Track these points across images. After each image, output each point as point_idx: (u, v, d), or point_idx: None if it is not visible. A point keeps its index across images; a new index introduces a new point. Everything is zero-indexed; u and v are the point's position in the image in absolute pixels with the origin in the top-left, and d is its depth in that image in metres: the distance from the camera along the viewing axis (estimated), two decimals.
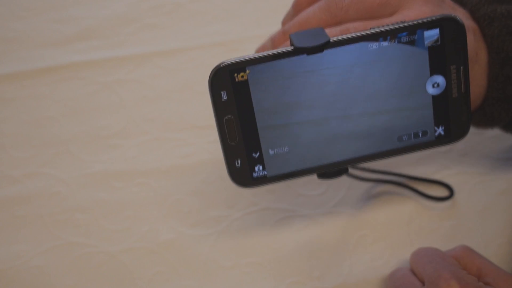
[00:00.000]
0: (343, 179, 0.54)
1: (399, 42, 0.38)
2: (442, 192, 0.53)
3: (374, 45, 0.37)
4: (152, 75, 0.64)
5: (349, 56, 0.38)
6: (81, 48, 0.66)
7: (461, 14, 0.43)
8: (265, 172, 0.40)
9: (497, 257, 0.48)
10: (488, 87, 0.43)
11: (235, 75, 0.37)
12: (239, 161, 0.39)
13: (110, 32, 0.67)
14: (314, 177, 0.54)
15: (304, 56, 0.37)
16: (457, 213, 0.52)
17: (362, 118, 0.40)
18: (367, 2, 0.41)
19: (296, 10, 0.45)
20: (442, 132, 0.41)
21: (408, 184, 0.53)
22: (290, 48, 0.37)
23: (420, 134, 0.41)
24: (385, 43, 0.37)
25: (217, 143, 0.41)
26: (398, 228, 0.52)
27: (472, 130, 0.56)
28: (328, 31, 0.40)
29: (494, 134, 0.56)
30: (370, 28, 0.38)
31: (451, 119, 0.40)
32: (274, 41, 0.43)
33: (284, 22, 0.46)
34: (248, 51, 0.50)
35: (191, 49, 0.66)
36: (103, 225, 0.53)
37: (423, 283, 0.43)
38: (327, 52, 0.37)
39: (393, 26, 0.37)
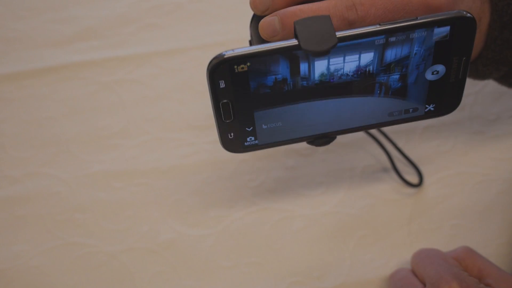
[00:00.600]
0: (343, 180, 0.54)
1: (407, 37, 0.37)
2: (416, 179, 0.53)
3: (381, 39, 0.37)
4: (152, 75, 0.64)
5: (354, 48, 0.37)
6: (81, 48, 0.66)
7: None
8: (256, 141, 0.40)
9: (497, 257, 0.48)
10: (485, 47, 0.43)
11: (235, 66, 0.37)
12: (232, 134, 0.40)
13: (110, 32, 0.67)
14: (314, 177, 0.54)
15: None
16: (457, 213, 0.52)
17: (355, 110, 0.40)
18: None
19: None
20: (432, 109, 0.41)
21: (390, 155, 0.53)
22: (295, 43, 0.36)
23: (410, 110, 0.41)
24: (393, 38, 0.37)
25: (217, 143, 0.41)
26: (398, 228, 0.52)
27: (472, 130, 0.56)
28: (332, 5, 0.38)
29: (494, 134, 0.56)
30: (379, 24, 0.37)
31: (443, 99, 0.41)
32: (274, 1, 0.40)
33: None
34: None
35: (191, 49, 0.66)
36: (103, 225, 0.53)
37: (424, 284, 0.42)
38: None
39: (404, 24, 0.37)
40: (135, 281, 0.50)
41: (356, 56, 0.38)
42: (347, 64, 0.38)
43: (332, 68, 0.37)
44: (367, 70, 0.38)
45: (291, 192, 0.54)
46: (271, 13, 0.40)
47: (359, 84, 0.38)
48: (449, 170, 0.54)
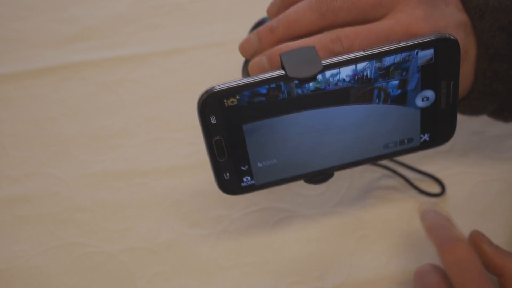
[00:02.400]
0: (343, 180, 0.54)
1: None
2: (436, 188, 0.53)
3: (366, 64, 0.37)
4: (152, 75, 0.64)
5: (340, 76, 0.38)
6: (81, 48, 0.66)
7: (453, 6, 0.42)
8: (253, 182, 0.40)
9: None
10: (475, 81, 0.43)
11: (225, 100, 0.37)
12: (227, 174, 0.40)
13: (110, 32, 0.67)
14: None
15: (289, 87, 0.37)
16: (457, 213, 0.52)
17: (350, 130, 0.40)
18: (360, 3, 0.40)
19: (283, 0, 0.43)
20: (427, 139, 0.41)
21: (403, 174, 0.53)
22: (281, 73, 0.37)
23: (406, 141, 0.41)
24: (377, 64, 0.37)
25: None
26: (398, 228, 0.52)
27: (472, 130, 0.56)
28: (318, 39, 0.39)
29: (494, 134, 0.56)
30: (363, 50, 0.37)
31: (437, 127, 0.41)
32: (261, 39, 0.41)
33: (269, 11, 0.44)
34: None
35: (191, 49, 0.66)
36: (103, 225, 0.53)
37: None
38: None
39: (387, 48, 0.37)
40: (135, 281, 0.50)
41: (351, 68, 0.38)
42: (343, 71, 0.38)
43: (327, 75, 0.37)
44: (364, 75, 0.38)
45: (291, 192, 0.54)
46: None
47: (356, 91, 0.38)
48: (449, 170, 0.54)
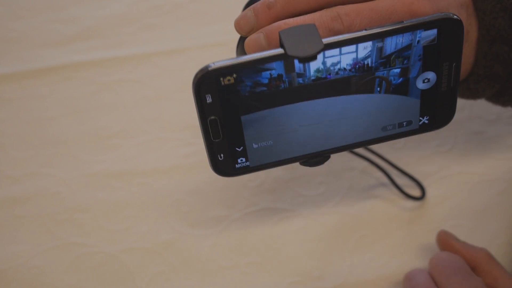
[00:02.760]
0: (343, 180, 0.54)
1: (371, 64, 0.37)
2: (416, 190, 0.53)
3: (368, 44, 0.36)
4: (151, 75, 0.64)
5: (341, 58, 0.37)
6: (81, 48, 0.66)
7: None
8: (248, 163, 0.39)
9: (497, 257, 0.48)
10: (475, 63, 0.42)
11: (221, 79, 0.36)
12: (222, 155, 0.38)
13: (110, 32, 0.67)
14: (314, 177, 0.54)
15: (291, 76, 0.36)
16: (457, 213, 0.52)
17: (349, 117, 0.39)
18: None
19: None
20: (426, 121, 0.40)
21: (388, 173, 0.53)
22: (281, 51, 0.35)
23: (404, 124, 0.40)
24: (379, 44, 0.36)
25: None
26: (398, 228, 0.52)
27: (472, 130, 0.56)
28: (318, 16, 0.38)
29: (494, 134, 0.56)
30: (365, 29, 0.36)
31: (436, 110, 0.40)
32: (257, 15, 0.40)
33: None
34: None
35: (191, 49, 0.66)
36: (103, 225, 0.53)
37: None
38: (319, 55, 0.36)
39: (390, 27, 0.36)
40: (135, 281, 0.50)
41: (353, 48, 0.37)
42: (344, 57, 0.37)
43: (328, 63, 0.37)
44: (365, 64, 0.37)
45: (291, 192, 0.54)
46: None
47: (357, 80, 0.37)
48: (449, 170, 0.54)
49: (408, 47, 0.37)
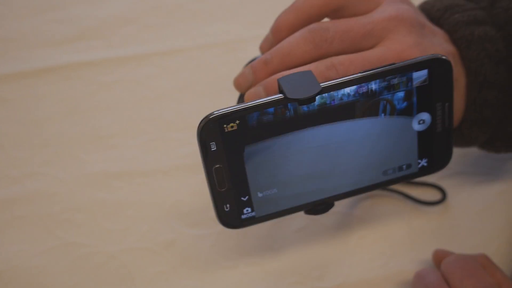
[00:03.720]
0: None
1: (388, 83, 0.38)
2: (437, 193, 0.53)
3: (363, 88, 0.38)
4: (152, 75, 0.64)
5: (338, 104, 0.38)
6: (81, 48, 0.66)
7: (441, 37, 0.43)
8: (253, 214, 0.40)
9: (497, 257, 0.48)
10: (466, 109, 0.44)
11: (225, 126, 0.37)
12: (228, 205, 0.39)
13: (110, 32, 0.67)
14: None
15: (295, 105, 0.37)
16: (457, 213, 0.52)
17: (349, 149, 0.40)
18: (351, 33, 0.40)
19: (275, 35, 0.43)
20: (425, 164, 0.42)
21: (401, 191, 0.53)
22: (281, 96, 0.37)
23: (404, 167, 0.41)
24: (374, 86, 0.38)
25: None
26: (398, 228, 0.52)
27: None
28: (313, 67, 0.39)
29: None
30: (360, 72, 0.37)
31: (434, 152, 0.41)
32: (255, 72, 0.42)
33: (262, 47, 0.45)
34: (248, 51, 0.50)
35: (191, 49, 0.66)
36: (103, 225, 0.53)
37: None
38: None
39: (383, 69, 0.37)
40: (135, 281, 0.50)
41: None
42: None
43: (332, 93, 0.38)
44: (369, 88, 0.38)
45: None
46: None
47: (361, 104, 0.38)
48: (449, 170, 0.54)
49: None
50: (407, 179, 0.42)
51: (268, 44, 0.44)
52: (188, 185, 0.55)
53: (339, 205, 0.53)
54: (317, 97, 0.37)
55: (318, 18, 0.43)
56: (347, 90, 0.37)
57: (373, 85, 0.38)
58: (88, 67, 0.64)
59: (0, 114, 0.61)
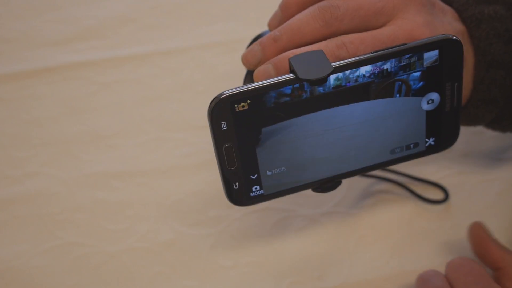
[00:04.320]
0: (343, 181, 0.54)
1: (399, 63, 0.38)
2: (439, 193, 0.53)
3: (378, 69, 0.38)
4: (152, 75, 0.64)
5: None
6: (81, 48, 0.66)
7: (450, 16, 0.43)
8: (262, 191, 0.40)
9: None
10: (473, 88, 0.44)
11: (236, 105, 0.36)
12: (237, 183, 0.39)
13: (110, 32, 0.67)
14: None
15: (310, 87, 0.37)
16: (457, 213, 0.52)
17: (358, 136, 0.40)
18: (362, 11, 0.40)
19: (284, 12, 0.43)
20: (433, 143, 0.42)
21: (405, 184, 0.53)
22: (292, 76, 0.36)
23: (411, 146, 0.41)
24: (385, 65, 0.37)
25: None
26: (398, 228, 0.52)
27: (472, 130, 0.56)
28: (324, 45, 0.39)
29: (494, 134, 0.56)
30: (371, 52, 0.37)
31: (441, 131, 0.41)
32: (264, 49, 0.41)
33: (270, 24, 0.44)
34: None
35: (191, 49, 0.66)
36: (103, 225, 0.53)
37: None
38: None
39: (394, 49, 0.37)
40: (135, 281, 0.50)
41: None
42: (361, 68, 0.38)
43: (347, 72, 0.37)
44: (384, 69, 0.38)
45: None
46: None
47: (376, 85, 0.38)
48: (449, 170, 0.54)
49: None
50: (414, 157, 0.42)
51: (276, 21, 0.44)
52: (188, 185, 0.55)
53: (339, 205, 0.53)
54: (332, 79, 0.37)
55: None
56: (362, 71, 0.37)
57: (388, 66, 0.38)
58: (88, 67, 0.64)
59: (0, 114, 0.61)
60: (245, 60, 0.42)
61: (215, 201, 0.54)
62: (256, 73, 0.40)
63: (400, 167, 0.54)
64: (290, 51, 0.40)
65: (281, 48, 0.41)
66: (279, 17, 0.44)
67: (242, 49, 0.64)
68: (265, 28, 0.46)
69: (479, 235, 0.46)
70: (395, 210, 0.53)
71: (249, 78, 0.44)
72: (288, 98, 0.37)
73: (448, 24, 0.42)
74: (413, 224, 0.52)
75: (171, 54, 0.65)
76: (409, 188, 0.53)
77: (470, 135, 0.56)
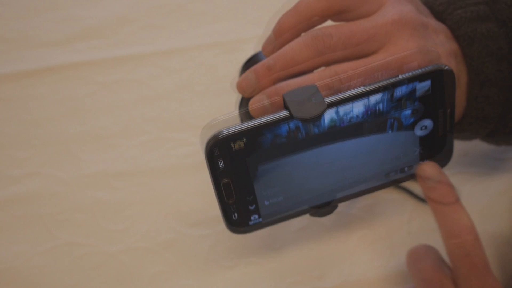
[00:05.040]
0: None
1: (391, 102, 0.38)
2: None
3: (371, 110, 0.38)
4: (152, 75, 0.64)
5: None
6: (81, 48, 0.66)
7: (443, 36, 0.43)
8: (260, 220, 0.41)
9: (497, 257, 0.48)
10: (467, 106, 0.44)
11: (232, 144, 0.37)
12: (236, 214, 0.40)
13: (110, 32, 0.67)
14: None
15: (305, 127, 0.37)
16: None
17: (353, 167, 0.40)
18: (354, 38, 0.41)
19: (277, 37, 0.43)
20: None
21: (407, 187, 0.53)
22: (287, 114, 0.37)
23: (406, 169, 0.42)
24: (377, 97, 0.38)
25: None
26: (398, 228, 0.52)
27: None
28: (317, 76, 0.40)
29: None
30: (363, 86, 0.38)
31: (435, 154, 0.42)
32: (258, 77, 0.42)
33: (264, 48, 0.45)
34: (248, 51, 0.50)
35: (191, 49, 0.66)
36: (103, 225, 0.53)
37: (454, 282, 0.40)
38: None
39: (386, 82, 0.38)
40: (135, 281, 0.50)
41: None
42: (355, 106, 0.38)
43: (341, 113, 0.38)
44: (377, 109, 0.38)
45: None
46: (257, 93, 0.41)
47: (369, 124, 0.39)
48: (449, 170, 0.54)
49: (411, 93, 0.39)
50: (409, 179, 0.43)
51: (270, 46, 0.44)
52: (188, 185, 0.55)
53: (339, 205, 0.53)
54: (327, 121, 0.37)
55: (320, 21, 0.43)
56: (356, 112, 0.38)
57: (381, 106, 0.38)
58: (88, 67, 0.64)
59: (0, 114, 0.61)
60: (239, 88, 0.43)
61: (215, 201, 0.54)
62: (251, 104, 0.41)
63: None
64: (285, 83, 0.40)
65: (275, 76, 0.41)
66: (273, 42, 0.44)
67: (242, 49, 0.65)
68: (264, 27, 0.46)
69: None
70: (395, 210, 0.53)
71: (244, 103, 0.45)
72: (284, 139, 0.38)
73: (441, 45, 0.43)
74: (413, 224, 0.52)
75: (171, 54, 0.65)
76: (409, 190, 0.53)
77: None
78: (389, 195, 0.53)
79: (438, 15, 0.45)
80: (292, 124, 0.37)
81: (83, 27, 0.68)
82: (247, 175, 0.39)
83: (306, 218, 0.52)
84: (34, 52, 0.66)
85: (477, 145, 0.56)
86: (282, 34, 0.43)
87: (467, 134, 0.46)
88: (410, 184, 0.53)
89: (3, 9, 0.70)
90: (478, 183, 0.54)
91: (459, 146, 0.56)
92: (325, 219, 0.52)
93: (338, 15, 0.43)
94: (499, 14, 0.44)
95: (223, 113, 0.38)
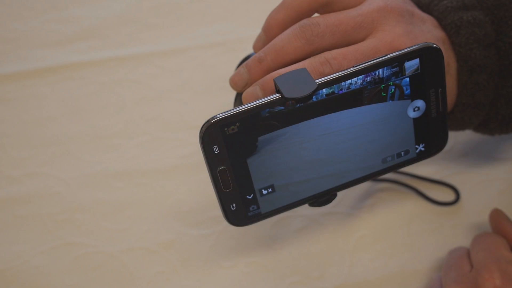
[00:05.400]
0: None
1: (382, 75, 0.38)
2: (444, 192, 0.53)
3: (358, 81, 0.38)
4: (152, 75, 0.64)
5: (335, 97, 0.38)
6: (81, 48, 0.66)
7: (430, 24, 0.44)
8: (259, 210, 0.41)
9: None
10: (458, 94, 0.44)
11: (226, 129, 0.37)
12: (234, 205, 0.40)
13: (110, 32, 0.67)
14: None
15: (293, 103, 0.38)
16: (457, 213, 0.52)
17: (350, 140, 0.40)
18: (341, 26, 0.41)
19: (267, 34, 0.44)
20: (423, 149, 0.42)
21: (413, 186, 0.53)
22: (278, 96, 0.37)
23: (402, 154, 0.42)
24: (368, 78, 0.38)
25: None
26: (398, 228, 0.52)
27: (471, 131, 0.56)
28: (308, 63, 0.40)
29: None
30: (354, 66, 0.38)
31: (430, 136, 0.42)
32: (250, 71, 0.42)
33: (255, 47, 0.46)
34: (247, 51, 0.50)
35: (191, 49, 0.66)
36: (103, 225, 0.53)
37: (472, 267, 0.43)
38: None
39: (375, 61, 0.38)
40: (135, 281, 0.50)
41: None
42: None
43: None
44: (376, 75, 0.38)
45: None
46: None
47: (369, 91, 0.39)
48: (449, 170, 0.55)
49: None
50: (406, 164, 0.42)
51: (260, 43, 0.45)
52: (188, 185, 0.55)
53: (339, 205, 0.53)
54: (324, 89, 0.38)
55: (308, 14, 0.44)
56: (355, 78, 0.38)
57: (380, 72, 0.38)
58: (88, 67, 0.64)
59: (0, 114, 0.61)
60: (232, 83, 0.43)
61: (215, 201, 0.54)
62: (244, 95, 0.41)
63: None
64: (275, 72, 0.40)
65: (266, 68, 0.42)
66: (263, 39, 0.45)
67: (242, 49, 0.65)
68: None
69: (497, 221, 0.47)
70: (395, 210, 0.53)
71: (238, 100, 0.45)
72: (277, 123, 0.38)
73: (428, 32, 0.43)
74: (413, 224, 0.52)
75: (171, 54, 0.65)
76: (416, 188, 0.53)
77: (470, 135, 0.56)
78: (389, 195, 0.53)
79: (424, 8, 0.46)
80: (284, 108, 0.37)
81: (83, 27, 0.68)
82: (243, 162, 0.38)
83: (306, 218, 0.52)
84: (34, 52, 0.66)
85: (477, 145, 0.56)
86: (271, 30, 0.44)
87: (460, 122, 0.46)
88: (412, 181, 0.53)
89: (3, 9, 0.70)
90: (478, 183, 0.54)
91: (459, 146, 0.56)
92: (325, 219, 0.52)
93: (325, 7, 0.44)
94: (484, 2, 0.44)
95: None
